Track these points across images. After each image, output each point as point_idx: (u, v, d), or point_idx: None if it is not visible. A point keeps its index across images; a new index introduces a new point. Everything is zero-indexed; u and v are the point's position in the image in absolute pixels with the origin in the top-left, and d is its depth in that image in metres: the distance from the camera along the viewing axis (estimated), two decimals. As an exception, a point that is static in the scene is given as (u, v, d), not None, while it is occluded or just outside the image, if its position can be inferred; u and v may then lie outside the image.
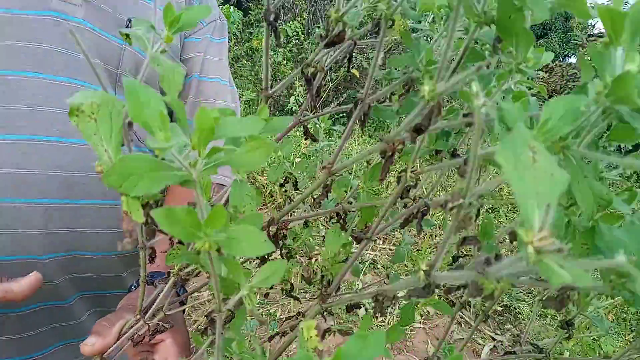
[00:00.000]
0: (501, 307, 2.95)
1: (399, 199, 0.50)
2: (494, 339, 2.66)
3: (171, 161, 0.31)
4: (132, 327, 0.56)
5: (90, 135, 0.31)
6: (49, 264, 0.74)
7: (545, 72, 7.67)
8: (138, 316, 0.57)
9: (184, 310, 0.66)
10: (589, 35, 7.93)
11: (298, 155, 3.63)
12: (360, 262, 3.24)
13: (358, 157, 0.46)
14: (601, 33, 7.73)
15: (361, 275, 2.68)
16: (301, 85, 5.17)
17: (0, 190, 0.69)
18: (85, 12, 0.75)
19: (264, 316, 2.34)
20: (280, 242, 0.61)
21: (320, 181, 0.50)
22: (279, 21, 0.53)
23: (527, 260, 0.22)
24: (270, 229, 0.56)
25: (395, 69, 0.48)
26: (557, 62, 7.94)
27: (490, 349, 2.50)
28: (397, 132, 0.41)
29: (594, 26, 8.54)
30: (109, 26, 0.77)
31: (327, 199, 0.56)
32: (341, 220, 0.58)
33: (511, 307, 2.96)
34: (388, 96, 0.56)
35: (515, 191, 0.23)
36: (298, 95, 5.02)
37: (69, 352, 0.83)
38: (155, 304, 0.58)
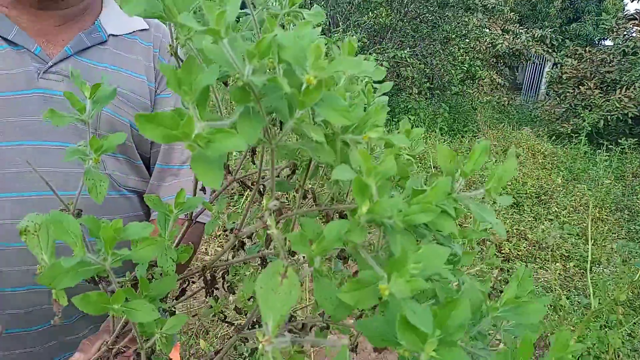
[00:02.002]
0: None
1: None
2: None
3: (88, 260, 0.47)
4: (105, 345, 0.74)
5: (34, 247, 0.47)
6: (49, 293, 0.94)
7: (575, 59, 7.30)
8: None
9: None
10: (619, 18, 7.49)
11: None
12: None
13: (254, 225, 0.61)
14: (632, 15, 7.29)
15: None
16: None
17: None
18: (66, 86, 0.91)
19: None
20: (221, 279, 0.77)
21: (231, 243, 0.65)
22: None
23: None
24: (206, 273, 0.72)
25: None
26: (587, 48, 7.52)
27: None
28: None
29: (624, 8, 8.08)
30: None
31: (244, 249, 0.71)
32: (264, 263, 0.73)
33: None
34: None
35: (260, 307, 0.37)
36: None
37: None
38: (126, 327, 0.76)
